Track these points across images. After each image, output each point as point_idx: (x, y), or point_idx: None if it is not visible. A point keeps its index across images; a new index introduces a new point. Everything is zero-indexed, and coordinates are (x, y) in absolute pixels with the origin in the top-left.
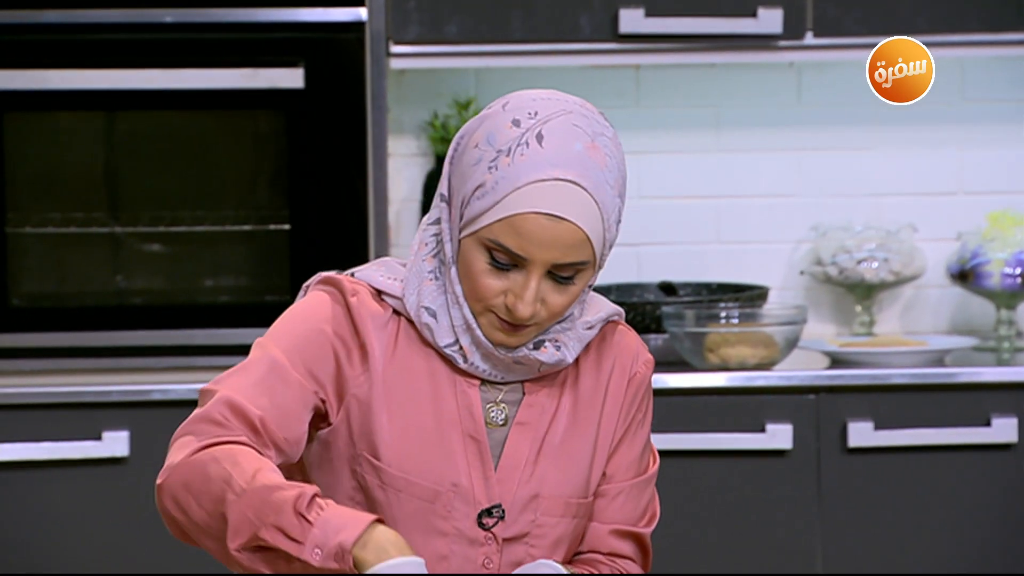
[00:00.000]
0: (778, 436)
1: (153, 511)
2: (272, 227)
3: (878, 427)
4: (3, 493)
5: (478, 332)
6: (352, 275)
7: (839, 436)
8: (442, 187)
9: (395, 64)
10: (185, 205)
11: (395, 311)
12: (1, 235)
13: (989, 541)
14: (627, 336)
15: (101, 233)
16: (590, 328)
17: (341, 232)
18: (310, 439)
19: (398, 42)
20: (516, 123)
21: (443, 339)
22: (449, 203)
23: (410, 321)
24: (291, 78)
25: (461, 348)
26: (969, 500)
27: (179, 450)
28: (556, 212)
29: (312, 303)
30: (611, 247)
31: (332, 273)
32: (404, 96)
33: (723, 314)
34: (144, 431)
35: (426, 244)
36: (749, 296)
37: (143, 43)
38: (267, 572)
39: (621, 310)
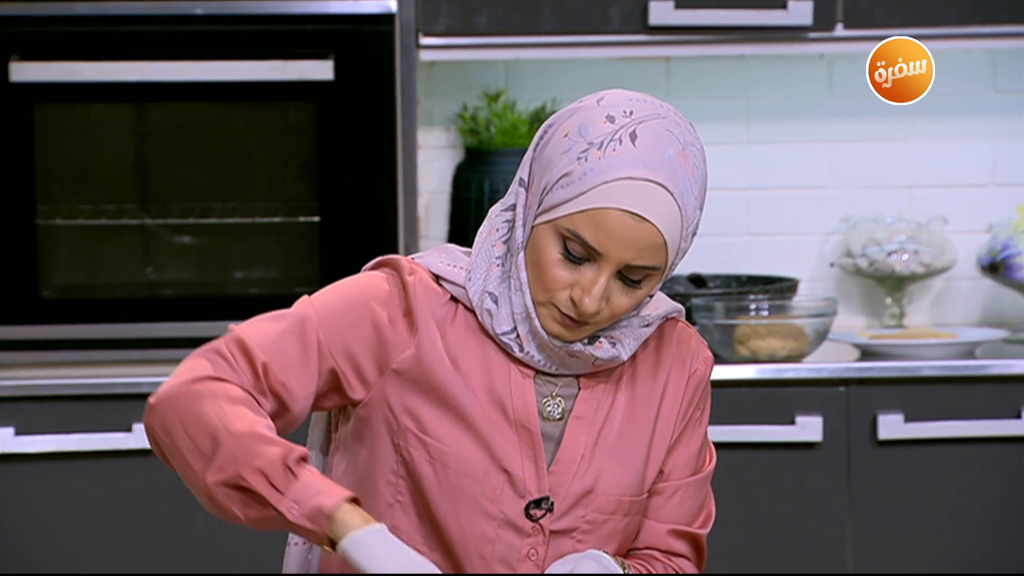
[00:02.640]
0: (808, 428)
1: (183, 503)
2: (302, 219)
3: (908, 419)
4: (34, 484)
5: (536, 322)
6: (412, 259)
7: (869, 428)
8: (522, 172)
9: (425, 56)
10: (215, 197)
11: (453, 297)
12: (32, 227)
13: (1021, 534)
14: (686, 333)
15: (132, 225)
16: (647, 326)
17: (371, 224)
18: (346, 415)
19: (428, 34)
20: (611, 119)
21: (501, 326)
22: (527, 189)
23: (468, 309)
24: (321, 70)
25: (518, 336)
26: (1000, 493)
27: (180, 375)
28: (641, 212)
29: (366, 278)
30: (682, 257)
31: (391, 256)
32: (434, 88)
33: (753, 306)
34: None
35: (497, 229)
36: (779, 288)
37: (173, 35)
38: (238, 514)
39: (680, 307)
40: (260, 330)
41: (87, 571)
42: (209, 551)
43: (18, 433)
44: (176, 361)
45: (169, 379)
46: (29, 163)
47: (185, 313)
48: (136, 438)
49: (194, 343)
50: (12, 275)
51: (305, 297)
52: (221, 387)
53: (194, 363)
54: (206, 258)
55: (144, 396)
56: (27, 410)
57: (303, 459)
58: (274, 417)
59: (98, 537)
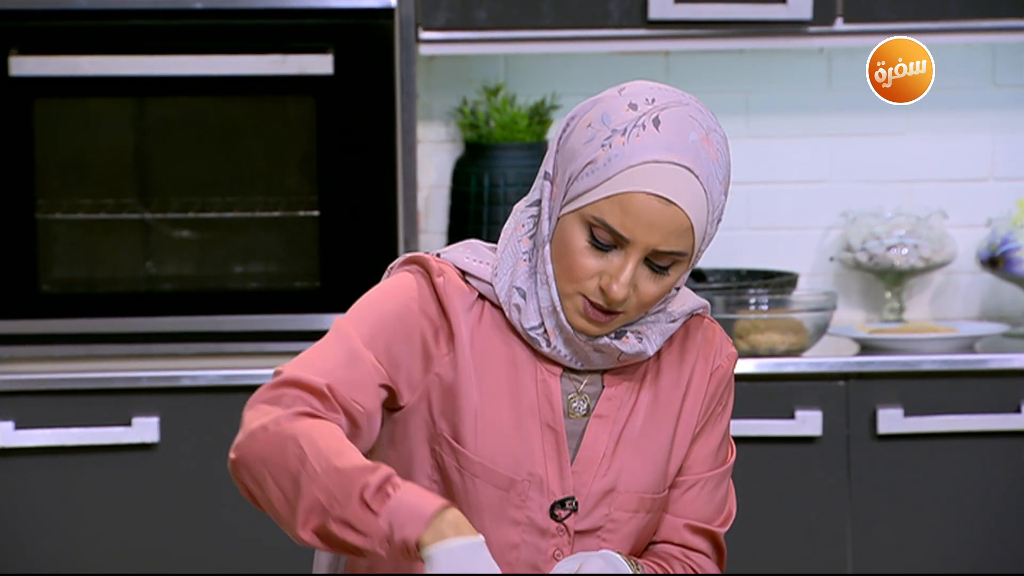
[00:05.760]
0: (808, 423)
1: (182, 496)
2: (302, 213)
3: (908, 413)
4: (33, 478)
5: (562, 316)
6: (438, 255)
7: (869, 422)
8: (547, 165)
9: (424, 50)
10: (215, 191)
11: (480, 295)
12: (31, 221)
13: (1020, 528)
14: (711, 330)
15: (131, 219)
16: (673, 321)
17: (370, 218)
18: (382, 420)
19: (427, 28)
20: (633, 106)
21: (529, 321)
22: (552, 181)
23: (494, 306)
24: (321, 64)
25: (546, 331)
26: (1000, 487)
27: (250, 424)
28: (667, 195)
29: (398, 282)
30: (708, 244)
31: (418, 253)
32: (433, 82)
33: (752, 300)
34: (174, 417)
35: (523, 225)
36: (779, 282)
37: (173, 29)
38: (340, 553)
39: (706, 303)
40: (308, 362)
41: (87, 565)
42: (211, 545)
43: (18, 427)
44: (175, 355)
45: (240, 433)
46: (29, 157)
47: (185, 307)
48: (136, 432)
49: (194, 337)
50: (12, 270)
51: (339, 322)
52: (300, 425)
53: (257, 411)
54: (206, 252)
55: (143, 391)
56: (27, 404)
57: (385, 484)
58: (350, 437)
59: (98, 531)
